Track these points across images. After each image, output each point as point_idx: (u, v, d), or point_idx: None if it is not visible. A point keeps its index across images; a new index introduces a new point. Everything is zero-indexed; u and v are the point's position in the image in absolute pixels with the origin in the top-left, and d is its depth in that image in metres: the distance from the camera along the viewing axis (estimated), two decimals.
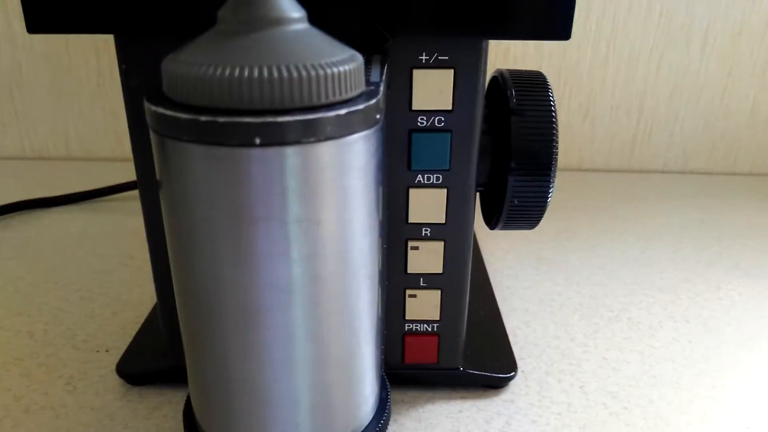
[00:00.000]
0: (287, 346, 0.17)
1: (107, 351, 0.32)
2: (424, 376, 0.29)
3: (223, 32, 0.15)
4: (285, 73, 0.14)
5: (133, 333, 0.33)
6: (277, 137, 0.14)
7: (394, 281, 0.26)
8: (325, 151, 0.15)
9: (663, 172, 0.60)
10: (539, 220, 0.27)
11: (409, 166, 0.25)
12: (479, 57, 0.23)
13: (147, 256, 0.41)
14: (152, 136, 0.16)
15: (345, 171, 0.15)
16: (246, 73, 0.14)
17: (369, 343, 0.19)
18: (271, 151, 0.14)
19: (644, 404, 0.28)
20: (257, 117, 0.14)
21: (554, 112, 0.26)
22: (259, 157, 0.14)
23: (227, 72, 0.14)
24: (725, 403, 0.29)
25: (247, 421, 0.18)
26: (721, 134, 0.59)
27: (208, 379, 0.18)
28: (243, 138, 0.14)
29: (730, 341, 0.34)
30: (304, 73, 0.14)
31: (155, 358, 0.30)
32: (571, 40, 0.55)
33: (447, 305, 0.27)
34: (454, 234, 0.26)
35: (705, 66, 0.57)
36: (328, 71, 0.14)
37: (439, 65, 0.23)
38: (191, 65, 0.14)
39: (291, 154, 0.14)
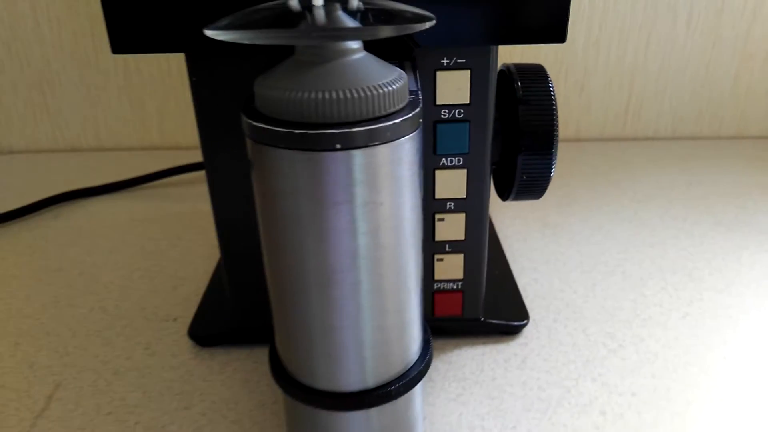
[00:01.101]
0: (355, 297, 0.22)
1: (175, 320, 0.37)
2: (451, 326, 0.34)
3: (302, 62, 0.20)
4: (354, 94, 0.18)
5: (194, 304, 0.39)
6: (351, 143, 0.19)
7: (424, 248, 0.31)
8: (384, 151, 0.19)
9: (654, 138, 0.65)
10: (544, 191, 0.32)
11: (434, 151, 0.29)
12: (490, 59, 0.28)
13: (193, 237, 0.46)
14: (249, 143, 0.20)
15: (398, 165, 0.20)
16: (326, 95, 0.18)
17: (416, 295, 0.24)
18: (346, 153, 0.19)
19: (636, 342, 0.34)
20: (336, 129, 0.18)
21: (554, 99, 0.31)
22: (337, 158, 0.19)
23: (312, 95, 0.18)
24: (705, 340, 0.34)
25: (325, 357, 0.23)
26: (707, 102, 0.64)
27: (292, 326, 0.23)
28: (327, 145, 0.19)
29: (711, 288, 0.39)
30: (368, 93, 0.19)
31: (221, 322, 0.35)
32: None
33: (469, 266, 0.32)
34: (473, 206, 0.31)
35: (690, 40, 0.61)
36: (384, 90, 0.19)
37: (457, 67, 0.28)
38: (283, 90, 0.19)
39: (360, 154, 0.19)
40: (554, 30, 0.26)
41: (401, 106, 0.20)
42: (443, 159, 0.30)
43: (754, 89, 0.63)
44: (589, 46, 0.61)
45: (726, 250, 0.43)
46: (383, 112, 0.19)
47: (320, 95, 0.18)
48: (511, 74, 0.31)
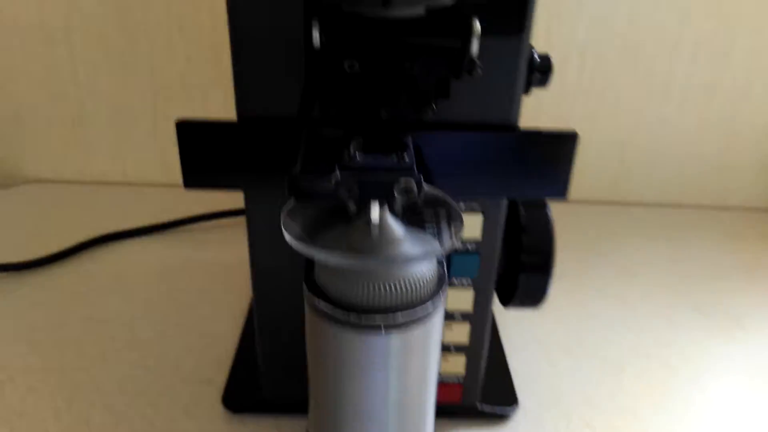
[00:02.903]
0: (382, 429, 0.27)
1: (209, 382, 0.43)
2: (451, 410, 0.39)
3: (353, 248, 0.24)
4: (396, 289, 0.24)
5: (225, 365, 0.44)
6: (392, 328, 0.24)
7: None
8: (418, 329, 0.25)
9: (641, 204, 0.70)
10: (541, 304, 0.37)
11: (448, 274, 0.34)
12: (501, 206, 0.33)
13: (219, 290, 0.51)
14: (311, 314, 0.25)
15: (428, 337, 0.25)
16: (374, 288, 0.23)
17: (431, 420, 0.29)
18: (387, 334, 0.24)
19: (611, 431, 0.39)
20: (380, 314, 0.23)
21: (552, 227, 0.36)
22: (379, 337, 0.24)
23: (363, 289, 0.23)
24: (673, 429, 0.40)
25: None
26: (692, 173, 0.69)
27: None
28: (371, 328, 0.24)
29: (682, 378, 0.44)
30: (407, 288, 0.24)
31: (251, 392, 0.40)
32: (564, 94, 0.64)
33: (470, 365, 0.37)
34: (477, 318, 0.36)
35: (681, 118, 0.66)
36: (420, 283, 0.24)
37: (472, 210, 0.33)
38: (343, 283, 0.24)
39: (397, 334, 0.24)
40: (558, 190, 0.31)
41: (432, 289, 0.25)
42: (454, 279, 0.35)
43: (738, 164, 0.68)
44: (585, 118, 0.66)
45: (699, 339, 0.48)
46: (418, 299, 0.24)
47: (370, 287, 0.23)
48: (516, 201, 0.36)
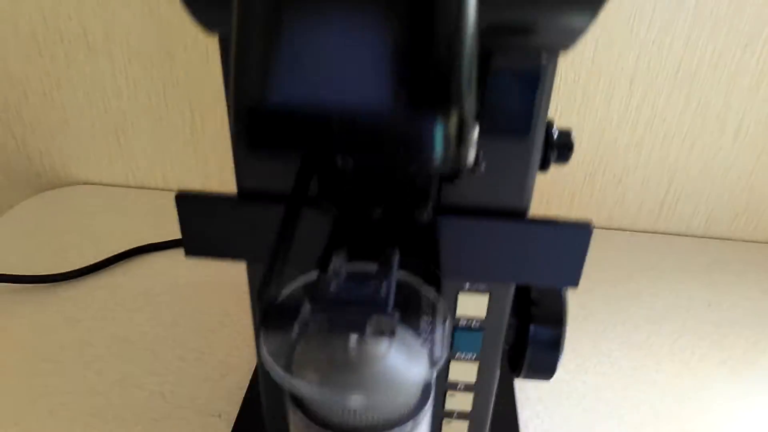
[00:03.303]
0: None
1: (220, 416, 0.44)
2: None
3: (337, 365, 0.24)
4: (371, 418, 0.23)
5: (238, 398, 0.44)
6: None
7: (434, 412, 0.36)
8: None
9: (686, 235, 0.67)
10: (551, 377, 0.36)
11: (450, 347, 0.34)
12: (509, 288, 0.31)
13: (240, 315, 0.52)
14: (293, 416, 0.25)
15: None
16: (346, 413, 0.23)
17: None
18: None
19: None
20: None
21: (565, 302, 0.35)
22: None
23: (338, 410, 0.23)
24: None
25: None
26: (745, 206, 0.65)
27: None
28: None
29: None
30: (387, 409, 0.23)
31: (260, 429, 0.41)
32: (611, 120, 0.61)
33: (473, 431, 0.37)
34: (481, 387, 0.35)
35: (736, 150, 0.62)
36: (402, 403, 0.24)
37: (478, 290, 0.32)
38: (319, 403, 0.23)
39: None
40: (569, 276, 0.30)
41: (413, 407, 0.24)
42: (458, 353, 0.34)
43: None
44: (631, 146, 0.63)
45: (724, 400, 0.46)
46: (397, 420, 0.24)
47: (344, 411, 0.23)
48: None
